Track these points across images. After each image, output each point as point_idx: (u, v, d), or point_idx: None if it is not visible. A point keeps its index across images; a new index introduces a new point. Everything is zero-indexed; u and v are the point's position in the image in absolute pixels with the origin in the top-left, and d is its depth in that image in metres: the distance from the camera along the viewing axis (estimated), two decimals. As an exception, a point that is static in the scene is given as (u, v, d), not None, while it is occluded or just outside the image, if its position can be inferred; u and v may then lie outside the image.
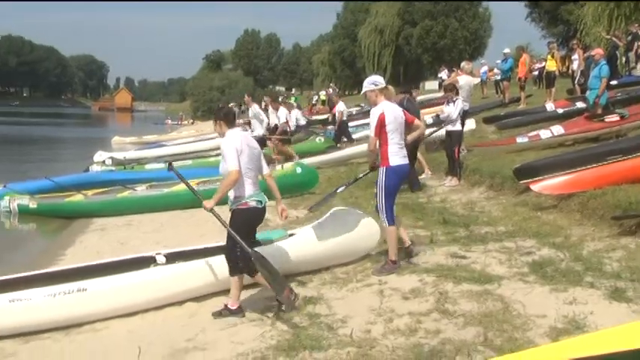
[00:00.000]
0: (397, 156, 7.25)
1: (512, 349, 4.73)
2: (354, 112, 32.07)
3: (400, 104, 12.18)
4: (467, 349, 4.90)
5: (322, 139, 21.27)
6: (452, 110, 12.74)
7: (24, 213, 13.71)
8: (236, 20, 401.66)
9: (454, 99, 12.84)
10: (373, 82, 7.43)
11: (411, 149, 12.28)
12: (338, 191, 10.13)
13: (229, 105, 22.71)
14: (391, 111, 7.30)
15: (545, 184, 9.58)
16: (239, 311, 6.33)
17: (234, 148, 6.15)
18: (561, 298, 5.85)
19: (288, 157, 17.14)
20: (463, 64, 16.26)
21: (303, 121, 21.88)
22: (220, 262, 6.93)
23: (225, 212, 6.45)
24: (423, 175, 13.68)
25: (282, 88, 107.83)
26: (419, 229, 9.17)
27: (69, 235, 12.14)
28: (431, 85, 51.05)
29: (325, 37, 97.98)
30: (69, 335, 6.50)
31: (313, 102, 48.05)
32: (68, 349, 6.17)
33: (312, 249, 7.40)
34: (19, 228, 13.58)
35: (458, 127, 12.83)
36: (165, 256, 7.44)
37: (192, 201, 12.80)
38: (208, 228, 10.64)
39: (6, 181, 15.98)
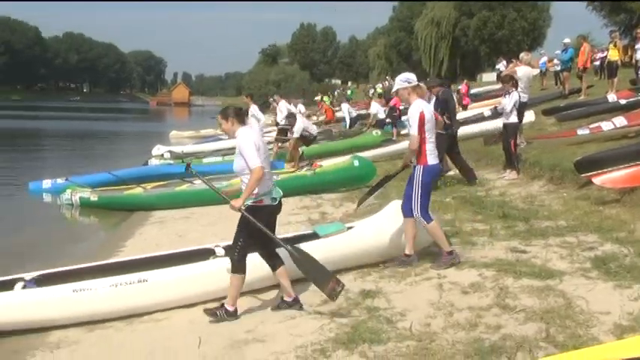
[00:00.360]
0: (433, 155, 7.28)
1: (575, 346, 4.64)
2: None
3: (436, 96, 12.19)
4: (528, 345, 4.83)
5: (379, 132, 21.22)
6: (507, 102, 12.56)
7: (85, 206, 14.07)
8: (292, 14, 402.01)
9: (510, 91, 12.65)
10: (406, 79, 7.36)
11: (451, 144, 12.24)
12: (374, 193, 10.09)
13: (270, 99, 23.04)
14: (428, 110, 7.33)
15: (607, 178, 9.35)
16: (234, 314, 6.29)
17: (253, 143, 6.10)
18: (626, 294, 5.71)
19: (293, 158, 17.32)
20: (522, 54, 15.98)
21: (354, 114, 21.96)
22: (279, 255, 6.99)
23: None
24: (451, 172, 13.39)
25: (338, 82, 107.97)
26: (478, 223, 9.06)
27: (128, 228, 12.36)
28: (488, 77, 50.45)
29: (381, 29, 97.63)
30: (131, 325, 6.64)
31: (370, 95, 47.87)
32: (130, 338, 6.30)
33: (370, 242, 7.38)
34: (80, 220, 13.91)
35: (513, 119, 12.61)
36: (224, 248, 7.51)
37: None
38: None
39: (68, 175, 16.43)
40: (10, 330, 6.65)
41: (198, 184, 13.91)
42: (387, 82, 44.74)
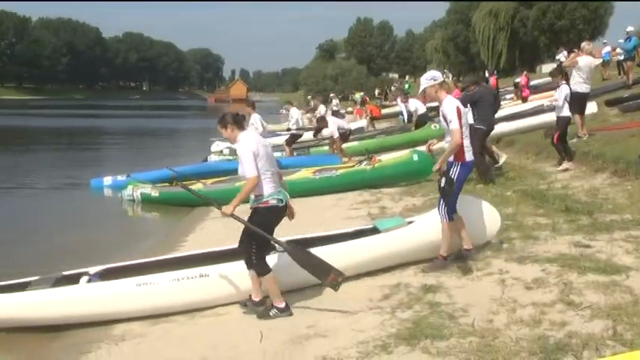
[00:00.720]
0: (470, 151, 7.20)
1: (644, 344, 4.53)
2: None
3: (470, 94, 12.09)
4: (595, 343, 4.71)
5: (438, 126, 21.02)
6: (558, 96, 12.34)
7: (146, 201, 14.40)
8: (349, 10, 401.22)
9: (559, 84, 12.40)
10: (432, 77, 7.34)
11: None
12: None
13: (330, 95, 23.03)
14: (461, 106, 7.24)
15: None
16: (262, 303, 6.46)
17: (251, 151, 6.21)
18: (697, 291, 5.55)
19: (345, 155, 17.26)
20: (583, 44, 15.63)
21: (423, 109, 21.86)
22: (336, 251, 7.01)
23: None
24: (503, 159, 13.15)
25: (395, 76, 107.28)
26: (539, 217, 8.90)
27: (190, 223, 12.51)
28: (548, 68, 49.39)
29: (438, 22, 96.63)
30: (193, 319, 6.75)
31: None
32: (193, 332, 6.41)
33: (431, 236, 7.32)
34: (143, 216, 14.16)
35: (565, 112, 12.35)
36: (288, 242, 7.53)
37: (313, 189, 13.13)
38: (328, 216, 10.76)
39: (129, 172, 16.76)
40: (77, 323, 6.83)
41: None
42: (444, 76, 44.30)
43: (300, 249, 6.48)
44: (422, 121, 21.61)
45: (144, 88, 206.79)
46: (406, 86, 56.89)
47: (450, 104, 7.13)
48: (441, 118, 7.38)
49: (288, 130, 20.18)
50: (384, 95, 54.93)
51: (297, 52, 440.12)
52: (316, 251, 6.96)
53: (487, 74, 33.95)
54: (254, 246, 6.37)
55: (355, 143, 20.32)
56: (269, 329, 5.95)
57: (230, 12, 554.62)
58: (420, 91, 7.63)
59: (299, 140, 21.17)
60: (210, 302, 6.91)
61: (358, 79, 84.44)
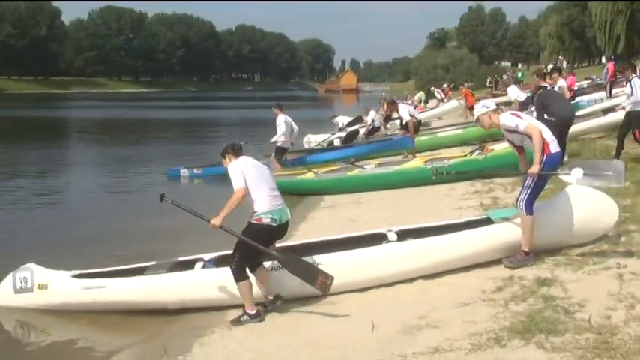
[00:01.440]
0: (553, 143, 7.02)
1: None
2: (585, 86, 30.47)
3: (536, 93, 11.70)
4: None
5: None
6: (635, 90, 11.71)
7: None
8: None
9: (630, 78, 11.80)
10: (483, 104, 7.40)
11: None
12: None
13: (450, 85, 22.58)
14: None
15: None
16: (257, 315, 6.59)
17: (239, 170, 6.55)
18: None
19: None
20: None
21: (522, 97, 21.20)
22: (448, 242, 6.97)
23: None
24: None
25: (508, 64, 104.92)
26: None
27: (301, 212, 12.65)
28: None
29: (553, 8, 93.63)
30: (307, 306, 6.86)
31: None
32: (306, 319, 6.56)
33: (545, 228, 7.14)
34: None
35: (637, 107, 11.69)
36: (396, 233, 7.56)
37: (421, 179, 13.06)
38: (439, 206, 10.67)
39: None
40: (192, 307, 7.08)
41: (370, 169, 14.09)
42: (558, 62, 42.87)
43: (289, 256, 6.64)
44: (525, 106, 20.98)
45: (256, 80, 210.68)
46: (519, 74, 55.43)
47: (505, 118, 7.10)
48: (508, 139, 7.35)
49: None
50: (495, 84, 53.67)
51: (408, 42, 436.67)
52: (429, 242, 6.94)
53: (604, 60, 32.63)
54: (237, 255, 6.60)
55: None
56: (381, 319, 5.98)
57: (341, 2, 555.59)
58: (475, 119, 7.58)
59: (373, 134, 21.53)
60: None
61: (470, 68, 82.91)
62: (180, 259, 7.69)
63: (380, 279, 7.01)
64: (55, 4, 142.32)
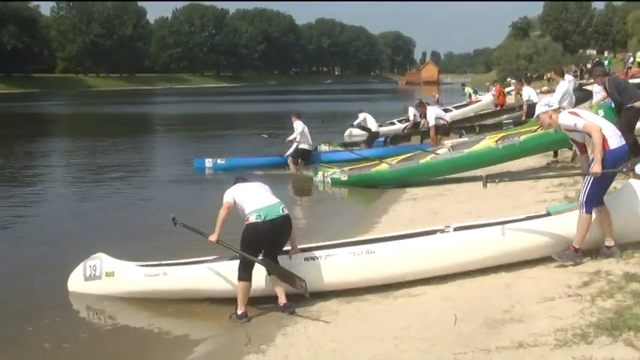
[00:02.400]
0: (613, 138, 6.69)
1: None
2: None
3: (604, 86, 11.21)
4: None
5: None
6: None
7: (336, 184, 14.88)
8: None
9: None
10: (546, 103, 7.18)
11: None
12: None
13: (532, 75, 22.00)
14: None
15: None
16: (243, 316, 6.82)
17: (231, 191, 7.09)
18: None
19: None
20: None
21: (535, 99, 20.62)
22: (507, 233, 6.95)
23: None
24: None
25: (593, 52, 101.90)
26: None
27: (382, 204, 12.64)
28: None
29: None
30: (387, 299, 6.86)
31: (628, 65, 44.52)
32: (386, 311, 6.53)
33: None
34: (335, 197, 14.53)
35: None
36: (455, 229, 7.48)
37: (493, 159, 13.04)
38: (521, 200, 10.44)
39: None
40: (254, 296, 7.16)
41: (443, 154, 14.03)
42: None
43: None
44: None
45: (335, 73, 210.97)
46: (605, 62, 53.68)
47: (564, 117, 6.90)
48: (570, 138, 7.15)
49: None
50: (580, 73, 52.16)
51: (489, 32, 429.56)
52: (481, 233, 7.06)
53: None
54: (240, 257, 6.94)
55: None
56: (464, 312, 5.91)
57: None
58: (535, 117, 7.34)
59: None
60: (377, 281, 7.11)
61: (554, 57, 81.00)
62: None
63: (419, 273, 7.05)
64: (140, 3, 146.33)
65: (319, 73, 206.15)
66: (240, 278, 6.84)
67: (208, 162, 18.72)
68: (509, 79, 48.77)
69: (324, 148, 20.21)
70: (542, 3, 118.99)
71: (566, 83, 13.60)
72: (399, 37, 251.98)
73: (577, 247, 6.73)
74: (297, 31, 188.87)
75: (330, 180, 14.96)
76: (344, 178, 14.71)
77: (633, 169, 6.68)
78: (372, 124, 20.92)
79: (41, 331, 6.99)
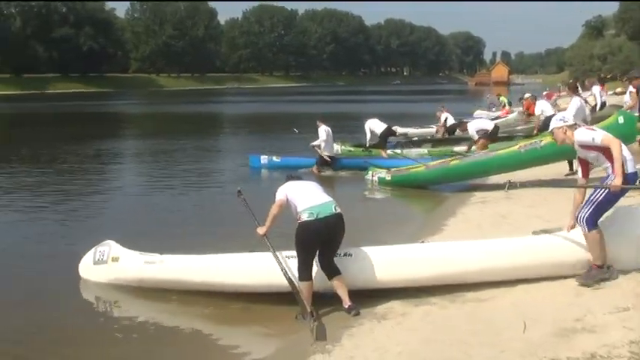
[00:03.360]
0: (629, 162, 6.46)
1: None
2: None
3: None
4: None
5: None
6: None
7: (382, 184, 15.32)
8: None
9: None
10: (561, 118, 6.97)
11: None
12: None
13: (608, 76, 21.51)
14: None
15: None
16: (309, 316, 6.60)
17: (284, 188, 7.14)
18: None
19: None
20: None
21: (549, 112, 19.97)
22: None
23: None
24: None
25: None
26: None
27: (451, 207, 12.50)
28: None
29: None
30: (454, 303, 6.78)
31: None
32: (454, 315, 6.44)
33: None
34: (403, 199, 14.48)
35: None
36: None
37: (517, 164, 13.25)
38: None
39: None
40: (247, 292, 7.28)
41: (471, 155, 14.80)
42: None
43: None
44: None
45: (404, 74, 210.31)
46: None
47: (581, 133, 6.68)
48: (581, 157, 6.85)
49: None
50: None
51: (561, 31, 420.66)
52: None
53: None
54: (296, 253, 6.91)
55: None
56: (533, 320, 5.79)
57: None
58: (549, 131, 7.09)
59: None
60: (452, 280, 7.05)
61: (629, 57, 78.88)
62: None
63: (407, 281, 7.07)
64: (211, 4, 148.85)
65: (388, 73, 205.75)
66: (300, 278, 6.84)
67: (264, 159, 18.88)
68: (558, 84, 47.34)
69: (336, 147, 20.10)
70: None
71: (578, 100, 13.25)
72: (469, 38, 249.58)
73: (599, 263, 6.53)
74: (367, 32, 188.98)
75: (377, 179, 15.46)
76: (388, 178, 15.17)
77: None
78: (378, 128, 20.55)
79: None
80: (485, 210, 11.66)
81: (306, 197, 6.97)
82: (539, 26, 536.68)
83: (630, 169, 6.43)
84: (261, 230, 7.05)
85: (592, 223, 6.43)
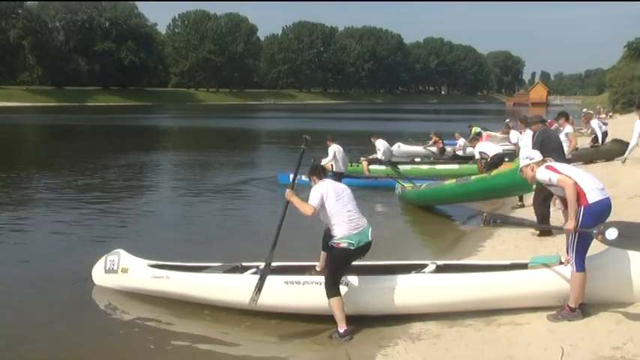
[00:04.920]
0: (592, 192, 6.38)
1: None
2: None
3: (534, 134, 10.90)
4: None
5: None
6: None
7: (402, 199, 15.53)
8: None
9: None
10: (527, 156, 6.92)
11: None
12: None
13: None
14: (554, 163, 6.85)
15: None
16: (346, 334, 6.77)
17: (320, 193, 6.95)
18: None
19: None
20: None
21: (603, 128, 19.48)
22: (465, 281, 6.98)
23: None
24: None
25: None
26: None
27: (487, 228, 12.37)
28: None
29: None
30: (490, 325, 6.71)
31: None
32: (489, 338, 6.38)
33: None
34: (443, 218, 14.36)
35: None
36: (438, 266, 7.68)
37: (455, 196, 13.59)
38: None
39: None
40: (375, 316, 7.17)
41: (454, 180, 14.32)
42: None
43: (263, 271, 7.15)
44: None
45: (442, 93, 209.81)
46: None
47: (540, 172, 6.67)
48: (553, 190, 6.79)
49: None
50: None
51: (602, 52, 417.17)
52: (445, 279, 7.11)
53: None
54: (327, 271, 7.06)
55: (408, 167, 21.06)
56: (571, 346, 5.70)
57: (530, 13, 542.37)
58: (519, 170, 7.02)
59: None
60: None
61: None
62: (244, 264, 8.37)
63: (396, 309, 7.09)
64: (251, 21, 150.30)
65: (426, 92, 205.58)
66: (329, 296, 6.85)
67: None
68: (598, 106, 46.29)
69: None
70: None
71: (529, 134, 12.61)
72: (509, 57, 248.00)
73: (572, 306, 6.43)
74: (405, 50, 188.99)
75: (400, 193, 15.58)
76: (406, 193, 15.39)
77: (603, 234, 6.22)
78: (383, 148, 20.69)
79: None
80: (521, 231, 11.51)
81: (346, 220, 6.94)
82: (579, 47, 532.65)
83: (596, 197, 6.36)
84: (289, 195, 7.11)
85: (579, 265, 6.37)
